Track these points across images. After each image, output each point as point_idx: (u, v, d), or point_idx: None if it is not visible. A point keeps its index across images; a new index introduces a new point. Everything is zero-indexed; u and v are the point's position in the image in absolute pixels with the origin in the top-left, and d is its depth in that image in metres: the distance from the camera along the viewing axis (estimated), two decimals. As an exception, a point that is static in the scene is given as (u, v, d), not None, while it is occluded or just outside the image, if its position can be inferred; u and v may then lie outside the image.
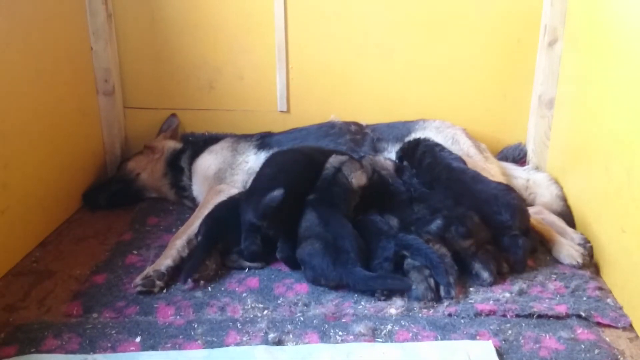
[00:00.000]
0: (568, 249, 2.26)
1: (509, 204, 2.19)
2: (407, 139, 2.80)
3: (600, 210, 2.28)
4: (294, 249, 2.18)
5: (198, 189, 2.77)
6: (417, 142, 2.61)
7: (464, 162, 2.49)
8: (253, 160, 2.77)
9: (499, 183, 2.39)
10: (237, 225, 2.25)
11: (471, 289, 2.09)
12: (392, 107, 3.07)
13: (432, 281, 2.03)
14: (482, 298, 2.03)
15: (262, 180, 2.36)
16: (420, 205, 2.32)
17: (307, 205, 2.25)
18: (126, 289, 2.13)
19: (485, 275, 2.10)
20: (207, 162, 2.79)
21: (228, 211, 2.35)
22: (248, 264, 2.24)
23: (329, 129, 2.85)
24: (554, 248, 2.30)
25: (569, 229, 2.40)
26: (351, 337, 1.85)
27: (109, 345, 1.81)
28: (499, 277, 2.13)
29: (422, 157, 2.50)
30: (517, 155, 3.04)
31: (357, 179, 2.36)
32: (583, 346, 1.80)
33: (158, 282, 2.11)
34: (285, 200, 2.16)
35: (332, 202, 2.25)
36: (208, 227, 2.27)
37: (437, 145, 2.56)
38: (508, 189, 2.32)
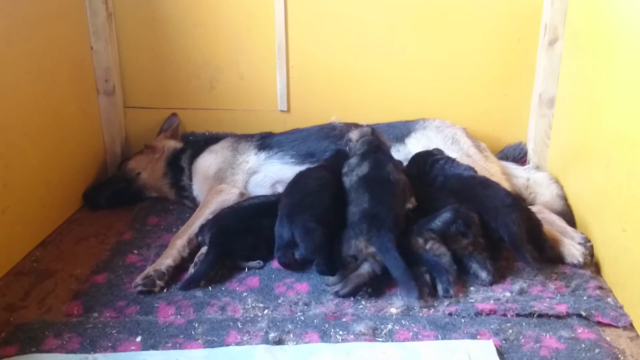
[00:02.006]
0: (569, 248, 2.25)
1: (507, 225, 2.13)
2: (407, 139, 2.80)
3: (600, 209, 2.28)
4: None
5: (198, 188, 2.77)
6: (432, 162, 2.51)
7: (475, 171, 2.47)
8: (253, 160, 2.77)
9: (507, 195, 2.29)
10: (243, 233, 2.27)
11: (471, 288, 2.08)
12: (392, 106, 3.07)
13: (427, 277, 2.04)
14: (482, 297, 2.02)
15: (307, 197, 2.27)
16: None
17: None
18: (127, 288, 2.13)
19: (483, 275, 2.10)
20: (208, 162, 2.79)
21: (234, 220, 2.35)
22: (247, 264, 2.25)
23: (330, 130, 2.85)
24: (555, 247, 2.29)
25: (570, 228, 2.40)
26: (351, 336, 1.84)
27: (110, 344, 1.81)
28: (499, 277, 2.13)
29: (435, 178, 2.46)
30: (517, 155, 3.05)
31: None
32: (583, 345, 1.79)
33: (158, 282, 2.11)
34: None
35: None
36: (215, 238, 2.25)
37: (447, 162, 2.51)
38: (513, 205, 2.21)
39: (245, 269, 2.24)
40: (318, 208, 2.19)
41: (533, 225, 2.22)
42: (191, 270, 2.20)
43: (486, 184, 2.37)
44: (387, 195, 2.18)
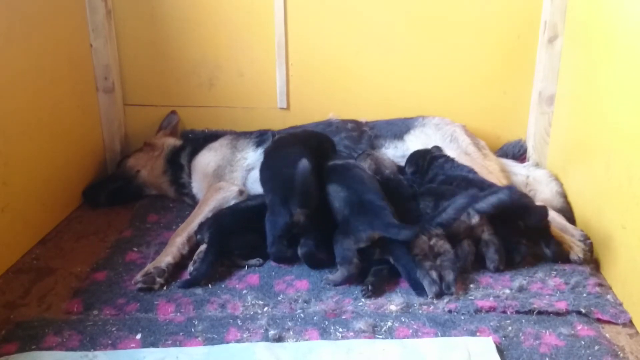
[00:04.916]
0: (570, 245, 2.25)
1: (523, 204, 2.18)
2: (405, 137, 2.80)
3: (600, 206, 2.28)
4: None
5: (198, 186, 2.77)
6: (430, 159, 2.52)
7: (476, 173, 2.47)
8: (252, 157, 2.78)
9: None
10: (242, 232, 2.28)
11: (471, 285, 2.08)
12: (392, 104, 3.07)
13: (434, 273, 2.03)
14: (482, 294, 2.03)
15: (284, 183, 2.28)
16: (428, 199, 2.30)
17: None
18: (126, 286, 2.13)
19: (493, 256, 2.13)
20: (207, 160, 2.79)
21: (233, 219, 2.35)
22: (247, 262, 2.25)
23: (326, 127, 2.85)
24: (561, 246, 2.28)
25: (569, 226, 2.39)
26: (351, 333, 1.85)
27: (110, 342, 1.82)
28: (498, 276, 2.14)
29: (435, 177, 2.46)
30: (517, 152, 3.05)
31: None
32: (583, 342, 1.80)
33: (158, 279, 2.11)
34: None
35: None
36: (214, 237, 2.25)
37: (447, 160, 2.51)
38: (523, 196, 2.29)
39: (244, 266, 2.24)
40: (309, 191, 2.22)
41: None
42: (190, 268, 2.20)
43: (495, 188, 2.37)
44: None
